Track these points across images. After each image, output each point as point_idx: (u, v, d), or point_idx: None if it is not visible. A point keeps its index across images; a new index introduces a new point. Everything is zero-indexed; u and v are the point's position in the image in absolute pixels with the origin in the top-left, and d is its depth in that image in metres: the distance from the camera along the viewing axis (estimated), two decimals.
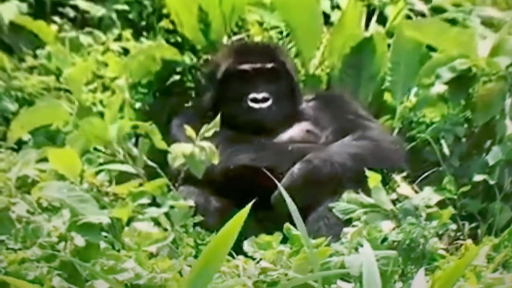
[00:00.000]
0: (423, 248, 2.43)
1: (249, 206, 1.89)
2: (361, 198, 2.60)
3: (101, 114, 3.15)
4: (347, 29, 3.30)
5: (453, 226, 2.67)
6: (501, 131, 2.98)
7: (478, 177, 2.92)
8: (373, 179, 2.62)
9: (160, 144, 2.81)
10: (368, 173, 2.64)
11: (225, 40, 3.47)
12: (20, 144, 3.02)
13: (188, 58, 3.37)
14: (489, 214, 2.90)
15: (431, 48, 3.28)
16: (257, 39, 3.49)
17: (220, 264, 2.05)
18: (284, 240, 2.51)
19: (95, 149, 2.92)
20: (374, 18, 3.46)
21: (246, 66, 3.04)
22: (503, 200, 2.90)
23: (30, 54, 3.41)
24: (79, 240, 2.19)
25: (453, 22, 3.38)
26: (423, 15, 3.55)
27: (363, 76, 3.29)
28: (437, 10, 3.61)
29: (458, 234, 2.79)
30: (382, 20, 3.47)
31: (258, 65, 3.04)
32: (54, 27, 3.52)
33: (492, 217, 2.88)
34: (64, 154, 2.62)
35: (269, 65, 3.05)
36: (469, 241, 2.66)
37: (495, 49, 3.08)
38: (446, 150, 3.05)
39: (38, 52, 3.41)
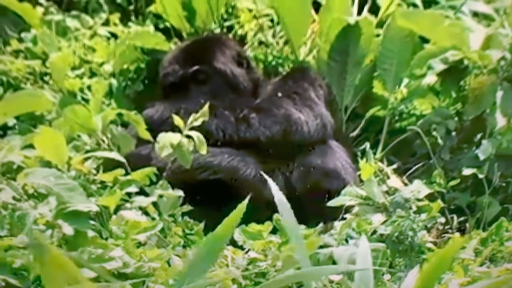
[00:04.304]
0: (412, 241, 2.43)
1: (244, 203, 1.90)
2: (355, 190, 2.59)
3: (88, 101, 3.11)
4: (334, 13, 3.27)
5: (442, 219, 2.68)
6: (492, 125, 2.98)
7: (467, 171, 2.92)
8: (366, 171, 2.61)
9: (144, 134, 2.77)
10: (361, 165, 2.63)
11: (213, 27, 3.44)
12: (4, 130, 2.96)
13: (174, 46, 3.33)
14: (478, 208, 2.91)
15: (424, 39, 3.26)
16: (247, 26, 3.45)
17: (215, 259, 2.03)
18: (275, 230, 2.51)
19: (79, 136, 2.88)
20: (367, 7, 3.43)
21: (171, 78, 3.06)
22: (491, 194, 2.90)
23: (15, 37, 3.35)
24: (67, 229, 2.16)
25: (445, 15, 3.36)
26: (415, 5, 3.54)
27: (349, 61, 3.27)
28: (429, 2, 3.60)
29: (447, 227, 2.79)
30: (375, 9, 3.44)
31: (181, 72, 3.06)
32: (39, 10, 3.45)
33: (481, 211, 2.88)
34: (51, 138, 2.56)
35: (192, 69, 3.05)
36: (457, 235, 2.67)
37: (487, 42, 3.08)
38: (437, 142, 3.04)
39: (24, 35, 3.34)
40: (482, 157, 2.88)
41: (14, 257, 2.09)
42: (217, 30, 3.45)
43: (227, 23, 3.47)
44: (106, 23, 3.48)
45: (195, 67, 3.06)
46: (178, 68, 3.09)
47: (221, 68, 3.08)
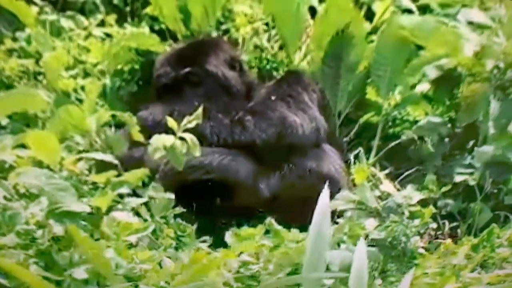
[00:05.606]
0: (405, 246, 2.43)
1: None
2: (348, 195, 2.60)
3: (81, 101, 3.10)
4: (330, 19, 3.28)
5: (434, 225, 2.69)
6: (484, 132, 3.00)
7: (459, 178, 2.94)
8: (359, 176, 2.61)
9: (137, 135, 2.77)
10: (354, 170, 2.64)
11: (208, 30, 3.44)
12: None
13: (169, 48, 3.33)
14: (469, 214, 2.92)
15: (419, 46, 3.28)
16: (243, 30, 3.46)
17: None
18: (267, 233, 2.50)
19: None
20: (362, 13, 3.44)
21: (163, 79, 3.07)
22: (483, 200, 2.92)
23: (9, 36, 3.34)
24: (58, 229, 2.15)
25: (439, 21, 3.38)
26: (410, 12, 3.55)
27: (343, 67, 3.27)
28: (424, 9, 3.62)
29: (438, 233, 2.80)
30: (370, 15, 3.45)
31: (173, 74, 3.06)
32: (34, 9, 3.44)
33: (472, 217, 2.90)
34: (44, 138, 2.55)
35: (183, 71, 3.06)
36: (448, 240, 2.68)
37: (481, 50, 3.10)
38: (429, 149, 3.06)
39: (18, 34, 3.34)
40: (476, 164, 2.89)
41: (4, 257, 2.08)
42: (213, 33, 3.45)
43: (223, 27, 3.47)
44: (102, 24, 3.47)
45: (186, 69, 3.06)
46: (170, 70, 3.09)
47: (212, 70, 3.08)
